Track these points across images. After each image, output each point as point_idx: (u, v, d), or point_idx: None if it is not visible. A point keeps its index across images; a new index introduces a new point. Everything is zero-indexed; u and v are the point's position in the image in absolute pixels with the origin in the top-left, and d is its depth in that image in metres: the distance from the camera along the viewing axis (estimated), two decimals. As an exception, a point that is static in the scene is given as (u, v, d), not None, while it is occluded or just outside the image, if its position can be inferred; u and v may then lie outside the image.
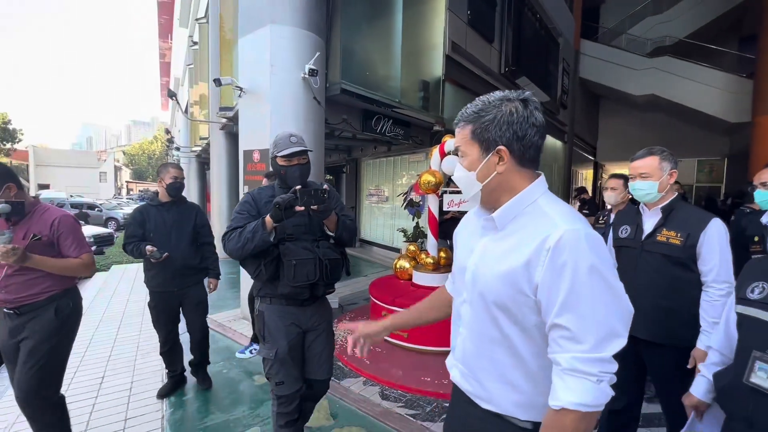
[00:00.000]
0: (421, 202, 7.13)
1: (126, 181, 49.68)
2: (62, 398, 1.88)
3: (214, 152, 7.53)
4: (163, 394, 2.65)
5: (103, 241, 11.16)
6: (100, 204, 18.92)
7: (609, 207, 3.22)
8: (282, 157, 1.73)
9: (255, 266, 1.74)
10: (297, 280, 1.70)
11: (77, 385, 2.81)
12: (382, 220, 8.50)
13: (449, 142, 3.54)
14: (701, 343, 1.59)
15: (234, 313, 4.30)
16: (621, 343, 0.76)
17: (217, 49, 6.75)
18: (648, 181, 1.68)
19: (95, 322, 4.10)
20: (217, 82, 3.80)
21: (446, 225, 4.37)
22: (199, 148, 10.97)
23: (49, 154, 39.27)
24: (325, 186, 1.70)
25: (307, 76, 3.56)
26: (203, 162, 13.88)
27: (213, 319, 4.04)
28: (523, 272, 0.80)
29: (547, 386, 0.82)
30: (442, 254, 3.81)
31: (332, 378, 2.86)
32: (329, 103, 4.45)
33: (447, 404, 2.54)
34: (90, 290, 5.35)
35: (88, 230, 11.30)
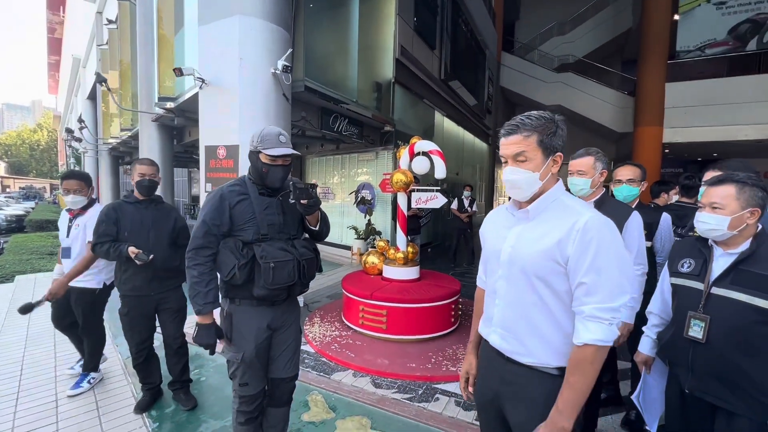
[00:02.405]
0: (372, 200, 7.35)
1: (0, 177, 41.32)
2: None
3: (143, 146, 6.79)
4: (142, 408, 2.44)
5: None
6: (-29, 204, 15.58)
7: None
8: (268, 155, 1.66)
9: (229, 269, 1.63)
10: (275, 283, 1.63)
11: (26, 412, 2.43)
12: (330, 218, 8.48)
13: (419, 144, 3.78)
14: (627, 319, 1.87)
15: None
16: (627, 297, 1.04)
17: (150, 34, 6.13)
18: (583, 178, 1.94)
19: (20, 341, 3.52)
20: (178, 71, 3.50)
21: (410, 221, 4.62)
22: (116, 140, 9.71)
23: None
24: (314, 181, 1.72)
25: (279, 71, 3.50)
26: (118, 156, 12.31)
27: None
28: (556, 248, 1.06)
29: (566, 333, 1.08)
30: (410, 249, 4.04)
31: (322, 374, 2.95)
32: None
33: (437, 386, 2.79)
34: (-4, 306, 4.49)
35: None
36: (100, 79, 4.69)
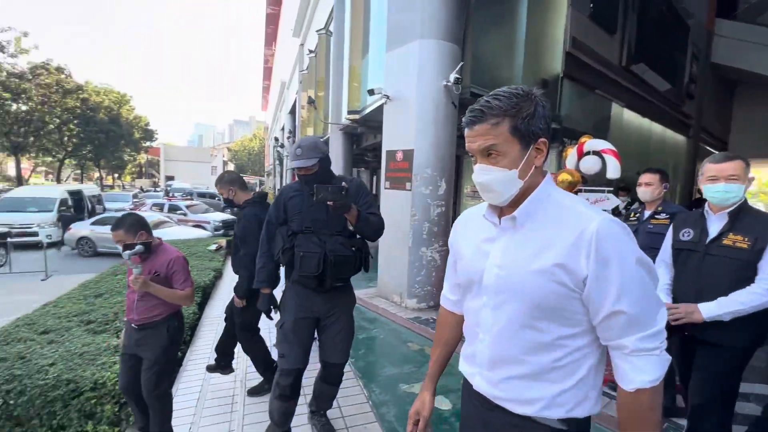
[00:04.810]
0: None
1: (231, 175, 56.66)
2: (170, 394, 2.23)
3: (333, 150, 8.40)
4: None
5: (231, 226, 13.10)
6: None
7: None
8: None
9: (277, 250, 1.94)
10: (303, 271, 1.84)
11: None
12: (483, 216, 8.65)
13: (589, 143, 3.65)
14: (707, 312, 1.63)
15: (369, 291, 4.95)
16: (665, 311, 0.82)
17: (341, 59, 7.54)
18: (736, 183, 1.66)
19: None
20: (371, 92, 4.40)
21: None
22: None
23: (174, 150, 46.75)
24: (344, 183, 1.78)
25: (450, 84, 3.95)
26: (309, 158, 15.37)
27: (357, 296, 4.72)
28: (562, 266, 0.80)
29: (580, 377, 0.85)
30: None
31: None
32: (456, 105, 4.79)
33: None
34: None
35: (218, 216, 13.41)
36: (311, 101, 6.13)
